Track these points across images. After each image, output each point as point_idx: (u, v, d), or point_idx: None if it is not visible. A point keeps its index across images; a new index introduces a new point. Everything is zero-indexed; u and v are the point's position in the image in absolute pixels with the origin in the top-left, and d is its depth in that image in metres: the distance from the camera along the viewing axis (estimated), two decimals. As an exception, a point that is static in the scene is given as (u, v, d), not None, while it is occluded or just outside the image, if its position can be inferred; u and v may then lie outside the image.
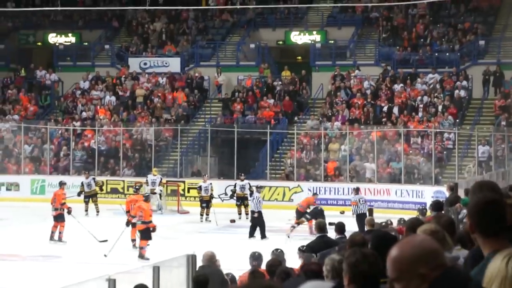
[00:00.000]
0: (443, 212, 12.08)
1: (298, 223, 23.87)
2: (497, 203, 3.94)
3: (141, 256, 19.59)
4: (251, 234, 23.58)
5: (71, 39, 43.22)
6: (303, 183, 31.70)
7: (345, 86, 36.44)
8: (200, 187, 28.86)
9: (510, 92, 34.72)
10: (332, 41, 40.26)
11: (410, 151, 32.36)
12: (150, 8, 37.93)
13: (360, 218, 23.75)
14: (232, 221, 27.91)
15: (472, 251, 4.40)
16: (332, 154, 33.53)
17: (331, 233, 13.21)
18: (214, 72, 39.15)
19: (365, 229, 14.48)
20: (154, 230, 20.26)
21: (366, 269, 3.98)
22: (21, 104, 38.53)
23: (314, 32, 40.65)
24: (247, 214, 28.52)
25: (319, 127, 34.24)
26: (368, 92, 35.88)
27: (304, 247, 12.55)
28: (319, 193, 28.46)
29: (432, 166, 30.79)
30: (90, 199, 29.78)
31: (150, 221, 20.32)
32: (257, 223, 23.66)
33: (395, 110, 34.47)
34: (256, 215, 23.83)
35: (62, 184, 24.59)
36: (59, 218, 22.76)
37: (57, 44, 42.65)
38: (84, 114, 37.41)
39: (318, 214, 23.47)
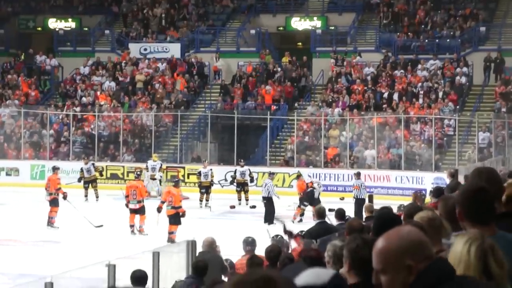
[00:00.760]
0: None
1: (301, 214, 23.83)
2: (485, 191, 3.94)
3: (171, 240, 19.40)
4: (266, 220, 23.50)
5: (71, 24, 43.15)
6: (303, 169, 31.69)
7: (345, 72, 36.39)
8: (199, 173, 28.87)
9: (510, 79, 34.69)
10: (333, 27, 40.18)
11: (410, 138, 32.36)
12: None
13: (359, 203, 23.82)
14: (232, 207, 27.94)
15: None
16: (332, 140, 33.53)
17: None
18: (213, 57, 39.05)
19: (364, 215, 14.49)
20: (183, 215, 20.40)
21: (366, 255, 3.96)
22: (21, 89, 38.48)
23: (315, 18, 40.56)
24: (247, 200, 28.57)
25: (320, 113, 34.22)
26: (369, 78, 35.84)
27: (303, 232, 12.55)
28: (320, 179, 28.48)
29: (433, 153, 30.80)
30: (90, 184, 29.76)
31: (180, 206, 20.44)
32: (267, 209, 23.65)
33: (396, 96, 34.44)
34: (266, 201, 23.83)
35: (55, 169, 24.51)
36: (52, 203, 22.74)
37: (57, 29, 42.57)
38: (84, 99, 37.37)
39: (310, 197, 23.70)
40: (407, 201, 21.45)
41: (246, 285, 2.00)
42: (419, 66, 35.85)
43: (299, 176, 26.61)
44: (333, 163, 32.47)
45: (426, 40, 37.68)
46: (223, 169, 31.65)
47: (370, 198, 23.50)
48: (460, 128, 32.32)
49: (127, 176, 31.47)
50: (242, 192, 28.99)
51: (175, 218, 20.26)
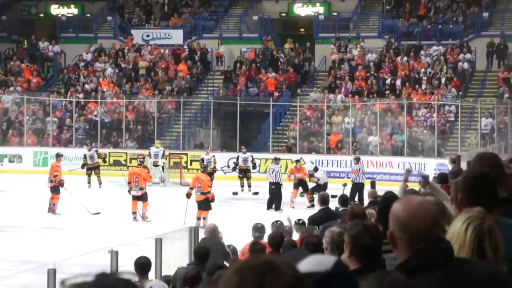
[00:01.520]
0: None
1: (311, 199, 23.89)
2: (487, 176, 3.93)
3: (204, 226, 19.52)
4: (269, 206, 23.56)
5: (73, 10, 43.09)
6: (305, 155, 31.67)
7: (348, 58, 36.33)
8: (202, 160, 28.88)
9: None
10: (336, 13, 40.08)
11: (413, 124, 32.33)
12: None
13: (356, 187, 23.88)
14: (235, 193, 27.95)
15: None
16: (335, 126, 33.51)
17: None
18: (216, 44, 38.99)
19: (367, 201, 14.49)
20: (213, 200, 20.56)
21: (367, 241, 3.96)
22: (24, 76, 38.46)
23: (317, 4, 40.46)
24: (249, 186, 28.59)
25: (322, 99, 34.18)
26: (372, 64, 35.78)
27: (301, 221, 12.57)
28: (322, 165, 28.53)
29: (435, 139, 30.78)
30: (93, 171, 29.76)
31: (209, 192, 20.56)
32: (274, 195, 23.68)
33: (398, 82, 34.39)
34: (274, 186, 23.84)
35: (58, 156, 24.35)
36: (53, 190, 22.76)
37: (59, 15, 42.51)
38: (86, 86, 37.34)
39: (303, 184, 24.15)
40: (409, 187, 21.47)
41: (248, 271, 2.00)
42: (422, 52, 35.77)
43: (298, 161, 26.47)
44: (335, 149, 32.46)
45: (429, 26, 37.57)
46: (225, 156, 31.64)
47: (373, 184, 23.52)
48: (462, 114, 32.28)
49: (130, 162, 31.48)
50: (245, 179, 29.00)
51: (205, 204, 20.42)
